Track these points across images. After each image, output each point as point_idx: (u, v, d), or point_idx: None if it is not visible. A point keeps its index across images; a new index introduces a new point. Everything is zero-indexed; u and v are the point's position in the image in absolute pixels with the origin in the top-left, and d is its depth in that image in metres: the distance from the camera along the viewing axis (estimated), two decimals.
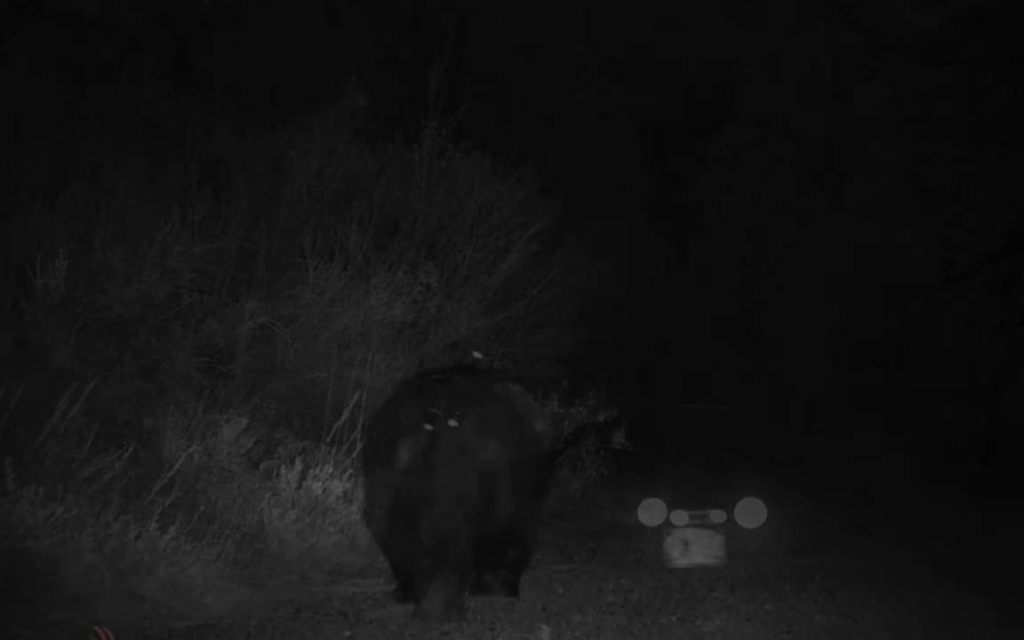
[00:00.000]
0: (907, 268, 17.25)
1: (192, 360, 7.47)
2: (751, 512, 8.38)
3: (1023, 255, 15.57)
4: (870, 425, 17.00)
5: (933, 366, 16.90)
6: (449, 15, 11.60)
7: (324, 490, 6.99)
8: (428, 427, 5.48)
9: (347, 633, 5.52)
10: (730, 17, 17.05)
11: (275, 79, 9.71)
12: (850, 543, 8.84)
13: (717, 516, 8.12)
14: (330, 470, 7.07)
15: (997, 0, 13.26)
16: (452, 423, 5.51)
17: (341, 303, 8.64)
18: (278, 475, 6.91)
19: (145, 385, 7.18)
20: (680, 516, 8.13)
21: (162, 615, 5.52)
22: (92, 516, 5.73)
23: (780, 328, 18.40)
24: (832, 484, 14.35)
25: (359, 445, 7.58)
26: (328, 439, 7.48)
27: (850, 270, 18.38)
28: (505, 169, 10.10)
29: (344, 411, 7.66)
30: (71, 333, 7.02)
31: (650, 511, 8.34)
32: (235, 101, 9.21)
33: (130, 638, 5.19)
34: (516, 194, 10.11)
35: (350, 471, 7.28)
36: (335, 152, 9.54)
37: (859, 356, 17.82)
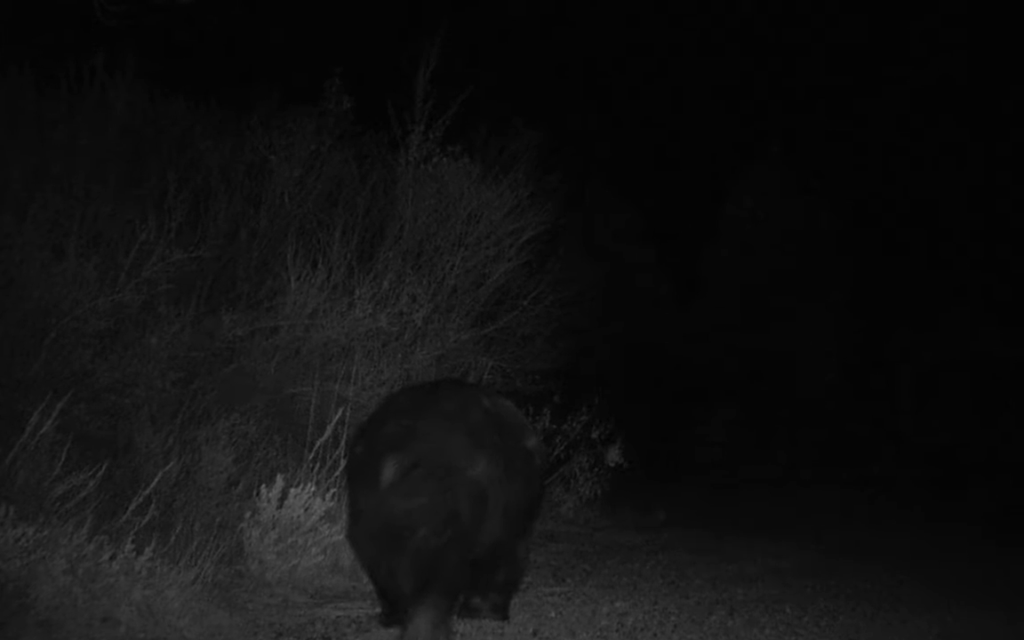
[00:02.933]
0: None
1: (169, 374, 7.48)
2: None
3: None
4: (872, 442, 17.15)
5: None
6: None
7: (306, 510, 6.98)
8: None
9: None
10: None
11: (255, 81, 9.75)
12: (853, 564, 8.85)
13: None
14: (312, 489, 7.06)
15: None
16: None
17: (324, 315, 8.66)
18: (258, 494, 6.91)
19: (120, 400, 7.20)
20: None
21: (137, 639, 5.55)
22: (65, 536, 5.74)
23: (781, 342, 18.55)
24: (832, 503, 14.48)
25: (342, 462, 7.62)
26: (311, 457, 7.49)
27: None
28: (495, 174, 10.12)
29: (327, 427, 7.67)
30: (43, 345, 7.04)
31: None
32: (214, 104, 9.26)
33: None
34: (507, 200, 10.12)
35: (333, 490, 7.29)
36: (318, 157, 9.58)
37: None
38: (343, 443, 7.64)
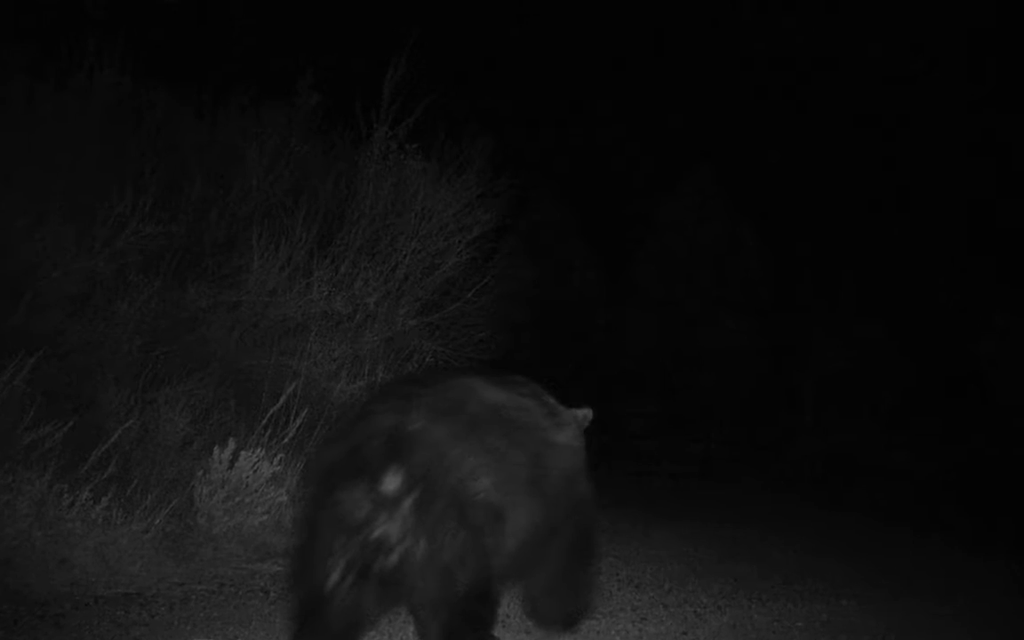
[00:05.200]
0: None
1: (135, 339, 7.47)
2: None
3: None
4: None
5: None
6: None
7: (255, 471, 7.02)
8: None
9: (268, 609, 5.60)
10: None
11: (233, 73, 9.72)
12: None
13: None
14: (262, 453, 7.11)
15: None
16: None
17: (283, 293, 8.67)
18: (211, 454, 6.94)
19: (88, 360, 7.18)
20: None
21: (90, 582, 5.57)
22: (29, 483, 5.76)
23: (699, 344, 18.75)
24: (739, 496, 14.67)
25: (293, 430, 7.66)
26: (263, 423, 7.52)
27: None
28: (449, 175, 10.14)
29: (280, 398, 7.70)
30: (20, 303, 7.01)
31: None
32: (193, 92, 9.23)
33: (58, 603, 5.26)
34: (459, 200, 10.15)
35: (281, 455, 7.33)
36: (287, 147, 9.58)
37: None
38: (294, 414, 7.68)
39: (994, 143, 17.89)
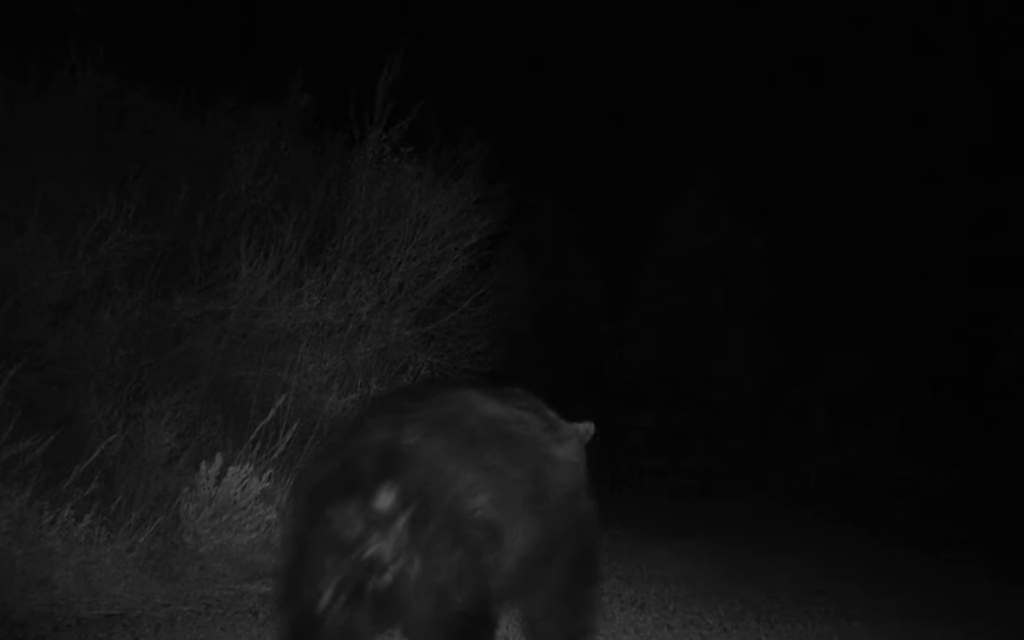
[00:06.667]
0: None
1: (118, 350, 7.46)
2: None
3: None
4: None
5: None
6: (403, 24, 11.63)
7: (243, 488, 7.01)
8: None
9: (257, 631, 5.58)
10: None
11: (221, 74, 9.73)
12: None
13: None
14: (250, 469, 7.09)
15: None
16: None
17: (272, 303, 8.65)
18: (197, 470, 6.93)
19: (69, 371, 7.17)
20: None
21: (72, 603, 5.56)
22: (8, 500, 5.74)
23: (702, 355, 18.72)
24: (737, 514, 14.64)
25: (282, 445, 7.65)
26: (251, 438, 7.50)
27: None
28: (445, 180, 10.14)
29: (270, 411, 7.68)
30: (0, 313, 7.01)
31: None
32: (179, 94, 9.23)
33: (38, 625, 5.24)
34: (456, 205, 10.14)
35: (270, 471, 7.32)
36: (276, 150, 9.57)
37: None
38: (283, 428, 7.67)
39: (1008, 147, 17.95)
